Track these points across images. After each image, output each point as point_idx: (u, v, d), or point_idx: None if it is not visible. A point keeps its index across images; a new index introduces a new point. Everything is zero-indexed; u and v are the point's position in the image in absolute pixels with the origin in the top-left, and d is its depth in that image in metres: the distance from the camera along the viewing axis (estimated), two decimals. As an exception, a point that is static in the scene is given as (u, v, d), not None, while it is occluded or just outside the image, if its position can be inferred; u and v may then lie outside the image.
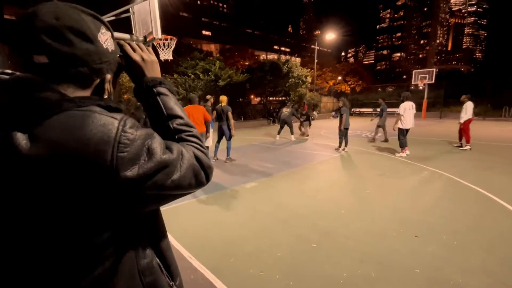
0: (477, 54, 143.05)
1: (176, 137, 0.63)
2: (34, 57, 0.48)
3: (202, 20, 56.39)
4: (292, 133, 9.60)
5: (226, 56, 34.77)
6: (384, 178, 4.80)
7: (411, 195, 3.96)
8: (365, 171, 5.29)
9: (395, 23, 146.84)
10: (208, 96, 6.49)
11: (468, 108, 7.17)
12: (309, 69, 20.59)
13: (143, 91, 0.68)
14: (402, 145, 6.45)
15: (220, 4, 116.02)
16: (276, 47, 67.27)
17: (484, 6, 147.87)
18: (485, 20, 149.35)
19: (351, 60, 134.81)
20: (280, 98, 20.97)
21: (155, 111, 0.66)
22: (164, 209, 3.50)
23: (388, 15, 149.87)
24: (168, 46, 5.86)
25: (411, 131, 7.03)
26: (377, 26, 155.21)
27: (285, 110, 9.44)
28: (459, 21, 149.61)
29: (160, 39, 5.36)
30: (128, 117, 0.52)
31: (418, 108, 19.14)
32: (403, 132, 6.42)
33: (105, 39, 0.56)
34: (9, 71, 0.51)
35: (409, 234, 2.77)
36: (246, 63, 36.29)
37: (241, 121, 16.04)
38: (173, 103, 0.68)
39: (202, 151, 0.62)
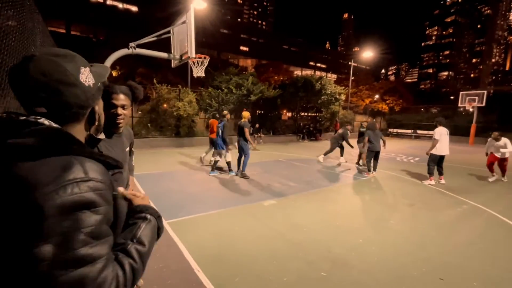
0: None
1: (120, 256, 0.61)
2: (35, 108, 0.60)
3: (241, 37, 59.01)
4: (341, 154, 8.87)
5: (261, 71, 35.67)
6: (414, 209, 4.42)
7: (443, 232, 3.58)
8: (393, 199, 4.94)
9: (442, 41, 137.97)
10: (225, 112, 6.62)
11: (508, 144, 6.47)
12: (343, 87, 20.17)
13: (133, 210, 0.74)
14: (430, 172, 6.10)
15: (260, 21, 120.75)
16: (312, 63, 67.37)
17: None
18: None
19: (392, 78, 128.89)
20: (312, 114, 20.73)
21: (129, 228, 0.69)
22: (181, 219, 3.64)
23: (435, 32, 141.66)
24: (202, 64, 6.24)
25: (449, 158, 6.43)
26: (422, 44, 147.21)
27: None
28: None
29: (194, 58, 5.77)
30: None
31: (466, 133, 17.65)
32: (434, 159, 6.06)
33: (85, 76, 0.66)
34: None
35: (434, 275, 2.50)
36: (280, 78, 36.79)
37: (270, 135, 16.13)
38: (149, 231, 0.71)
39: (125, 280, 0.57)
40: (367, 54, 27.56)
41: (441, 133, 6.01)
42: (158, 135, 11.76)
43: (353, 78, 28.11)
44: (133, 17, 39.93)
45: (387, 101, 37.80)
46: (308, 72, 54.23)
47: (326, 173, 7.10)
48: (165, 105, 11.88)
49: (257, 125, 14.78)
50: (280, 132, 17.14)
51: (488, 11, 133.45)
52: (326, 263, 2.64)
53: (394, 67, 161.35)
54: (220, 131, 6.24)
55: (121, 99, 1.36)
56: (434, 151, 6.06)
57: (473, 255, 2.92)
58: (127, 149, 1.57)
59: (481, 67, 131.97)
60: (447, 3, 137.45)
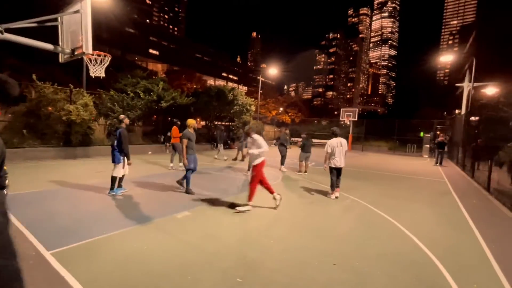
0: (389, 99, 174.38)
1: None
2: None
3: (150, 39, 54.81)
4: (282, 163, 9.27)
5: (172, 78, 34.06)
6: (312, 206, 5.17)
7: (333, 224, 4.33)
8: (297, 199, 5.61)
9: (328, 66, 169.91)
10: (122, 117, 5.67)
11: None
12: (253, 98, 21.70)
13: None
14: (331, 185, 5.89)
15: (171, 26, 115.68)
16: (224, 74, 69.32)
17: (393, 62, 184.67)
18: (394, 73, 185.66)
19: (293, 93, 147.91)
20: (225, 123, 21.23)
21: None
22: (71, 246, 3.02)
23: (322, 59, 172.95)
24: (101, 63, 5.44)
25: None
26: (314, 67, 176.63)
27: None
28: (376, 71, 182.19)
29: (92, 54, 4.98)
30: None
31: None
32: (332, 171, 5.87)
33: None
34: None
35: (329, 262, 2.98)
36: (193, 86, 36.14)
37: (183, 144, 15.48)
38: None
39: None
40: (272, 70, 30.76)
41: (332, 145, 5.75)
42: (38, 144, 9.32)
43: (261, 91, 30.64)
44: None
45: (289, 114, 43.02)
46: (221, 82, 55.48)
47: (240, 180, 7.38)
48: (50, 108, 9.59)
49: (168, 134, 13.91)
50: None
51: (356, 47, 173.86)
52: (241, 269, 2.73)
53: (294, 84, 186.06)
54: (115, 141, 5.32)
55: None
56: (330, 164, 5.82)
57: (353, 240, 3.66)
58: None
59: (353, 90, 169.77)
60: (330, 37, 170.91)
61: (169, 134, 13.91)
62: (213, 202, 5.12)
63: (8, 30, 4.40)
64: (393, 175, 9.74)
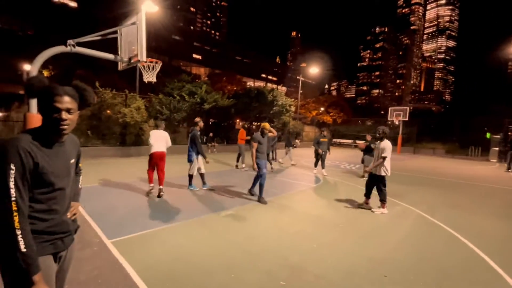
0: (446, 96, 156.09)
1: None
2: None
3: (194, 45, 58.17)
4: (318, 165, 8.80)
5: (214, 80, 35.55)
6: (358, 212, 4.85)
7: (382, 231, 4.00)
8: (341, 204, 5.34)
9: (374, 63, 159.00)
10: (197, 119, 5.76)
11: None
12: (293, 99, 21.41)
13: None
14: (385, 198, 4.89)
15: (213, 31, 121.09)
16: (263, 75, 70.01)
17: (451, 54, 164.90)
18: (452, 67, 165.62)
19: (334, 93, 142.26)
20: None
21: None
22: (127, 237, 3.30)
23: (368, 55, 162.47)
24: (153, 69, 5.91)
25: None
26: (358, 64, 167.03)
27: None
28: (430, 66, 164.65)
29: (145, 62, 5.44)
30: None
31: (394, 143, 20.43)
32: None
33: None
34: None
35: (378, 273, 2.75)
36: (234, 88, 37.19)
37: (224, 145, 16.01)
38: None
39: None
40: (313, 70, 29.94)
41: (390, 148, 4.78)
42: (100, 143, 10.57)
43: (301, 91, 30.08)
44: (71, 14, 35.90)
45: (331, 114, 41.40)
46: (260, 83, 56.07)
47: (280, 182, 7.32)
48: (108, 111, 10.80)
49: (211, 134, 14.55)
50: (234, 141, 17.14)
51: (407, 41, 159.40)
52: (284, 272, 2.68)
53: (335, 83, 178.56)
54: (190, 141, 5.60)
55: (66, 101, 1.17)
56: (386, 172, 4.80)
57: (407, 251, 3.32)
58: (72, 160, 1.34)
59: (403, 87, 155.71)
60: (377, 32, 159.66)
61: (211, 134, 14.58)
62: (255, 202, 5.15)
63: (78, 44, 5.04)
64: (452, 181, 8.65)
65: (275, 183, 7.10)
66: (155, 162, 5.15)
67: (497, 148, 16.30)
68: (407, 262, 3.01)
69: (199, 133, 5.62)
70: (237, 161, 9.43)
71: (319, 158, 8.59)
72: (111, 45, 6.11)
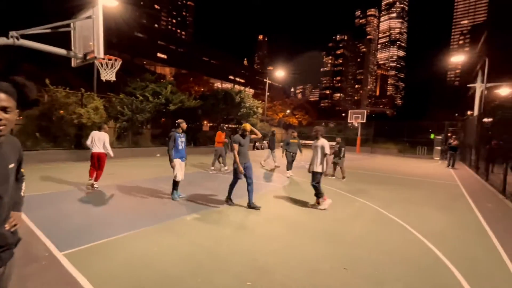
0: (398, 101, 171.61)
1: None
2: None
3: (159, 43, 55.77)
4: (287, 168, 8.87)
5: (180, 81, 34.49)
6: (321, 211, 5.09)
7: (343, 228, 4.26)
8: (304, 204, 5.55)
9: (335, 68, 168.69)
10: (180, 120, 5.26)
11: None
12: (260, 101, 21.72)
13: None
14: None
15: (179, 31, 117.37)
16: (231, 77, 69.77)
17: (402, 63, 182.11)
18: (402, 74, 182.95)
19: (299, 96, 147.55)
20: (232, 126, 21.31)
21: None
22: (83, 248, 3.05)
23: (330, 61, 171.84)
24: (112, 67, 5.54)
25: (349, 165, 7.77)
26: (321, 69, 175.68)
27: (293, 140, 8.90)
28: (384, 73, 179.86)
29: (103, 59, 5.08)
30: None
31: (353, 144, 21.98)
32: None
33: None
34: None
35: (341, 268, 2.92)
36: (201, 89, 36.47)
37: (191, 147, 15.60)
38: None
39: None
40: (279, 73, 30.75)
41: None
42: (51, 147, 9.55)
43: (268, 93, 30.65)
44: (17, 2, 31.95)
45: (296, 116, 42.84)
46: (228, 85, 55.76)
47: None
48: (61, 111, 9.83)
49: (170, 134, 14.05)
50: (202, 143, 16.82)
51: (364, 49, 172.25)
52: (252, 273, 2.70)
53: (301, 87, 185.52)
54: (182, 144, 5.22)
55: (2, 99, 1.05)
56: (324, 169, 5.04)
57: (366, 245, 3.58)
58: (12, 165, 1.20)
59: (361, 91, 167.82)
60: (337, 39, 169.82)
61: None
62: (223, 204, 5.12)
63: (23, 36, 4.53)
64: (403, 178, 9.55)
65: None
66: (95, 161, 5.63)
67: (439, 148, 18.39)
68: (365, 255, 3.25)
69: (180, 135, 5.18)
70: (213, 165, 9.16)
71: (291, 159, 8.78)
72: (64, 39, 5.59)
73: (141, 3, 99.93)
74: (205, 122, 19.38)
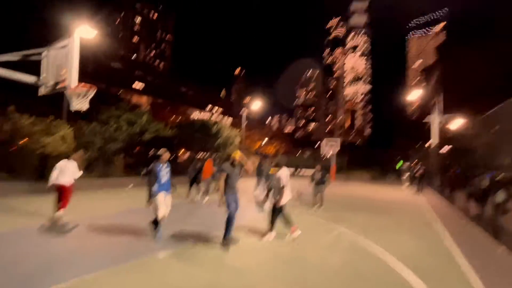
0: (367, 131, 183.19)
1: None
2: None
3: (136, 73, 55.89)
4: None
5: (157, 110, 34.21)
6: (303, 240, 5.01)
7: (322, 255, 4.21)
8: (283, 234, 5.45)
9: (308, 101, 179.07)
10: (162, 151, 4.75)
11: None
12: (238, 130, 22.04)
13: None
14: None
15: (157, 62, 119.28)
16: (209, 107, 70.72)
17: (368, 97, 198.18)
18: (370, 107, 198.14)
19: (275, 126, 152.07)
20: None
21: None
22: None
23: (303, 94, 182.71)
24: (85, 96, 5.40)
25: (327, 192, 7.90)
26: (295, 101, 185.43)
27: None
28: (353, 106, 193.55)
29: (76, 88, 4.97)
30: None
31: (328, 171, 22.61)
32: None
33: None
34: None
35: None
36: (178, 118, 36.32)
37: (166, 177, 15.04)
38: None
39: None
40: (256, 104, 31.84)
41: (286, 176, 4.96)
42: (9, 178, 8.66)
43: (245, 123, 31.26)
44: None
45: (272, 145, 43.69)
46: (206, 115, 56.21)
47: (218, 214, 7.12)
48: (25, 140, 9.15)
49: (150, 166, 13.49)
50: (176, 173, 16.27)
51: (334, 83, 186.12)
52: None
53: (277, 116, 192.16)
54: (166, 175, 4.62)
55: None
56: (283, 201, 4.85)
57: (344, 274, 3.54)
58: None
59: (333, 123, 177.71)
60: (309, 75, 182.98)
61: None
62: (196, 239, 4.86)
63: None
64: (378, 205, 9.86)
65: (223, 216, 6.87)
66: (61, 192, 5.14)
67: (407, 175, 19.52)
68: (344, 285, 3.20)
69: (162, 166, 4.55)
70: (204, 194, 8.91)
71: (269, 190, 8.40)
72: (32, 64, 5.43)
73: (119, 36, 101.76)
74: (183, 150, 19.02)
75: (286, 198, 4.84)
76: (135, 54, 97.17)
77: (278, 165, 5.05)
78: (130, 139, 13.51)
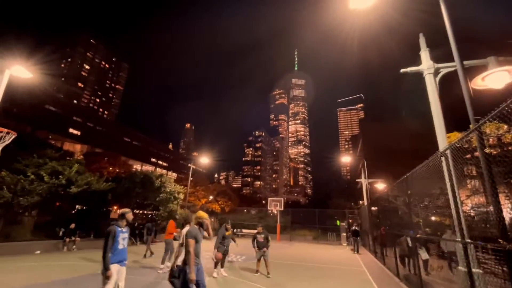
0: (308, 190, 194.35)
1: None
2: None
3: (73, 119, 51.22)
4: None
5: (92, 160, 30.77)
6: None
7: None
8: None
9: (255, 159, 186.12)
10: (125, 210, 4.13)
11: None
12: (183, 186, 20.96)
13: None
14: None
15: (101, 109, 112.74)
16: (153, 159, 66.94)
17: (308, 158, 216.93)
18: (309, 167, 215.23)
19: (223, 182, 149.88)
20: (148, 212, 19.10)
21: None
22: None
23: (250, 152, 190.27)
24: (1, 140, 4.77)
25: (272, 254, 7.71)
26: (243, 158, 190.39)
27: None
28: (295, 166, 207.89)
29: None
30: None
31: (273, 231, 22.45)
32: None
33: None
34: None
35: None
36: (116, 170, 33.03)
37: (90, 239, 12.73)
38: None
39: None
40: (204, 159, 31.66)
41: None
42: None
43: (191, 178, 30.15)
44: None
45: (219, 202, 42.17)
46: (149, 167, 52.60)
47: (166, 284, 6.24)
48: None
49: (72, 225, 11.37)
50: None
51: (278, 145, 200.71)
52: None
53: (224, 173, 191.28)
54: (123, 242, 3.87)
55: None
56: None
57: None
58: None
59: (278, 181, 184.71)
60: (256, 134, 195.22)
61: (72, 226, 11.39)
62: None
63: None
64: (319, 266, 9.98)
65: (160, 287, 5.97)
66: None
67: (344, 234, 20.67)
68: None
69: (122, 229, 3.88)
70: (162, 262, 7.67)
71: (224, 255, 7.48)
72: None
73: (63, 79, 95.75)
74: (115, 207, 16.83)
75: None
76: (75, 100, 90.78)
77: (186, 222, 4.61)
78: (51, 193, 11.52)
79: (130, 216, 4.05)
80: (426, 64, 5.37)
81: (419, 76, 5.53)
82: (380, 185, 24.38)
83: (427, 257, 7.31)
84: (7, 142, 5.25)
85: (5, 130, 5.17)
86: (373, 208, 14.56)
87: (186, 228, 3.83)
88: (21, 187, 10.63)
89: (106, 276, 3.52)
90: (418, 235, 6.13)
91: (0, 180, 10.18)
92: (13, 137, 5.34)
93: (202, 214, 3.97)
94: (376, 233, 12.50)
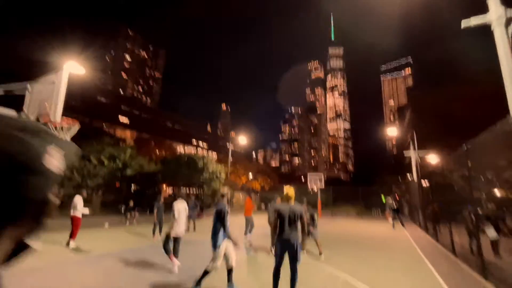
0: (349, 167, 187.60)
1: None
2: None
3: (122, 108, 55.95)
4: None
5: (141, 145, 33.64)
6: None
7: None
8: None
9: (292, 136, 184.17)
10: (224, 190, 4.38)
11: None
12: (224, 165, 21.86)
13: None
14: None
15: (144, 98, 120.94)
16: (194, 141, 70.63)
17: (348, 133, 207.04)
18: (350, 143, 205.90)
19: (261, 161, 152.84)
20: (194, 190, 20.47)
21: None
22: None
23: (287, 129, 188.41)
24: (67, 130, 5.29)
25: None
26: (280, 136, 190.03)
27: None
28: (335, 142, 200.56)
29: (58, 123, 4.89)
30: None
31: (314, 208, 22.37)
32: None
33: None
34: None
35: None
36: (162, 153, 35.74)
37: (147, 214, 14.22)
38: None
39: None
40: (242, 139, 32.25)
41: (179, 209, 5.24)
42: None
43: (231, 158, 31.22)
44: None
45: (258, 180, 43.29)
46: (191, 149, 55.73)
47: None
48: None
49: (131, 203, 12.81)
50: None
51: (316, 121, 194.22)
52: None
53: (262, 152, 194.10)
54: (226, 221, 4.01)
55: None
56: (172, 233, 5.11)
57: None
58: None
59: (317, 158, 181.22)
60: (293, 112, 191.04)
61: (131, 203, 12.83)
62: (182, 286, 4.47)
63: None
64: (365, 242, 9.70)
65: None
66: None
67: (389, 209, 19.67)
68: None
69: (225, 207, 4.01)
70: (245, 233, 8.47)
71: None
72: (13, 99, 5.35)
73: (109, 72, 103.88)
74: (165, 186, 18.37)
75: (176, 230, 5.14)
76: (120, 89, 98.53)
77: (178, 197, 5.57)
78: (111, 175, 12.96)
79: (229, 195, 4.38)
80: (495, 12, 4.35)
81: (482, 29, 4.55)
82: (433, 158, 22.21)
83: (495, 237, 6.34)
84: (74, 132, 5.82)
85: (72, 120, 5.73)
86: (424, 185, 13.42)
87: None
88: (87, 171, 12.14)
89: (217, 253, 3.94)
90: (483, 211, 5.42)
91: (71, 166, 11.75)
92: (77, 126, 5.89)
93: (288, 190, 3.93)
94: (428, 208, 11.59)
